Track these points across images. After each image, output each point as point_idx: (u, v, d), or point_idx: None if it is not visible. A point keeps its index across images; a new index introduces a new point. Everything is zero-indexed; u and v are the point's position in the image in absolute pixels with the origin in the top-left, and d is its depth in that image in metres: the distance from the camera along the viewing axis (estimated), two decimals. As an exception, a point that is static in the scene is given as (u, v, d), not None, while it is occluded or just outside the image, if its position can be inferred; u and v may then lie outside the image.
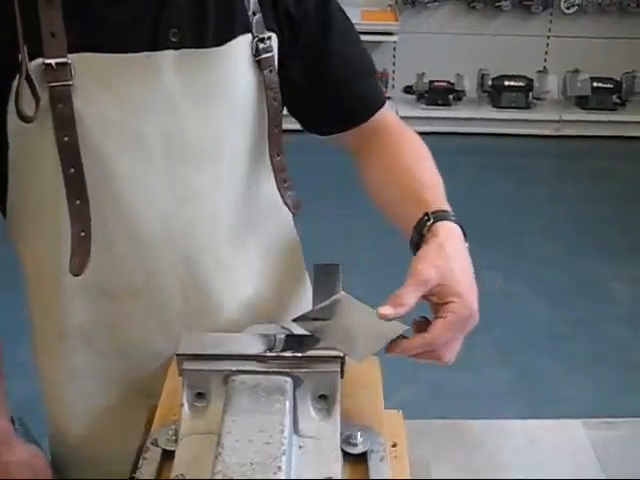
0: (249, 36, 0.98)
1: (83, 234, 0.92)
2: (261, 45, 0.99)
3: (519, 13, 4.99)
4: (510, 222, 3.96)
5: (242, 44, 0.98)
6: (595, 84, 4.90)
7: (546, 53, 5.11)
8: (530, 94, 4.95)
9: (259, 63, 1.00)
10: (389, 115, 1.14)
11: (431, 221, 0.92)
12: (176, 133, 0.95)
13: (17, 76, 0.86)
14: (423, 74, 4.85)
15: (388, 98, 5.20)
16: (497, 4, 4.91)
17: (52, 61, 0.86)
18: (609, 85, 4.92)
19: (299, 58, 1.05)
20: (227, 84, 0.97)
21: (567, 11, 4.95)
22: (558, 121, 4.90)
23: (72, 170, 0.90)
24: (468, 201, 4.14)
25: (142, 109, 0.92)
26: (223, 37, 0.96)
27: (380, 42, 4.82)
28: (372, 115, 1.10)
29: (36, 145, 0.91)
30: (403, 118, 4.15)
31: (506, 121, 4.85)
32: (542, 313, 3.21)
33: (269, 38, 1.00)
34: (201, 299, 1.03)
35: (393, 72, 5.09)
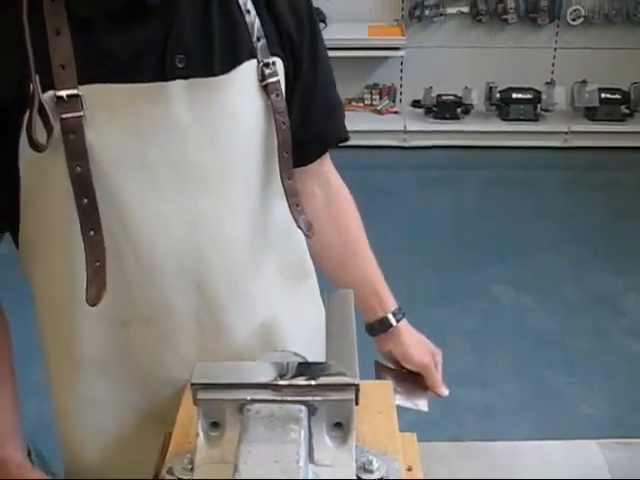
0: (254, 62, 0.99)
1: (98, 264, 0.92)
2: (267, 70, 1.00)
3: (525, 25, 5.00)
4: (519, 235, 3.96)
5: (248, 70, 0.99)
6: (603, 95, 4.90)
7: (553, 65, 5.12)
8: (538, 106, 4.96)
9: (266, 88, 1.00)
10: (329, 161, 1.25)
11: (394, 323, 1.25)
12: (185, 160, 0.95)
13: (30, 108, 0.86)
14: (431, 88, 4.87)
15: (396, 112, 5.24)
16: (503, 17, 4.93)
17: (63, 93, 0.87)
18: (617, 96, 4.92)
19: (297, 85, 1.07)
20: (235, 110, 0.98)
21: (573, 22, 4.97)
22: (566, 132, 4.91)
23: (85, 201, 0.90)
24: (476, 214, 4.17)
25: (152, 138, 0.93)
26: (229, 64, 0.97)
27: (387, 57, 4.85)
28: (333, 146, 1.20)
29: (49, 176, 0.91)
30: (411, 132, 4.21)
31: (514, 133, 4.87)
32: (553, 327, 3.20)
33: (274, 63, 1.01)
34: (215, 324, 1.03)
35: (401, 86, 5.12)
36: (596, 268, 3.65)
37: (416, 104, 5.02)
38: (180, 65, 0.93)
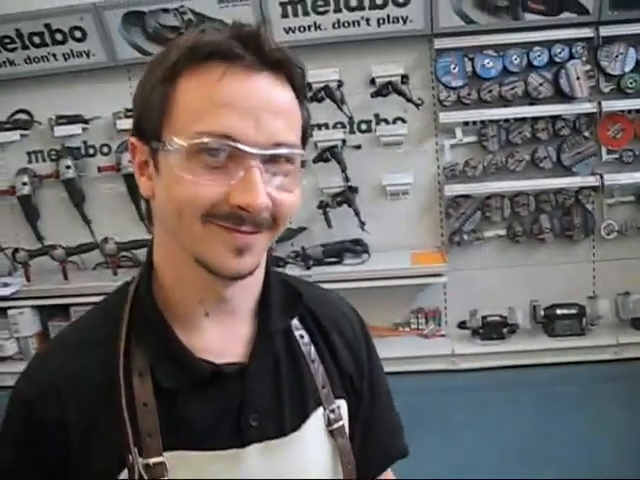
0: (320, 410, 1.07)
1: None
2: (332, 416, 1.07)
3: (562, 242, 5.15)
4: (580, 457, 3.87)
5: (315, 420, 1.06)
6: (647, 305, 4.94)
7: (594, 277, 5.21)
8: (584, 320, 4.98)
9: (332, 433, 1.07)
10: (389, 470, 1.30)
11: None
12: None
13: (124, 471, 0.95)
14: (475, 311, 4.97)
15: (442, 335, 5.30)
16: (539, 236, 5.10)
17: (150, 461, 0.95)
18: (662, 308, 4.96)
19: (359, 416, 1.15)
20: (305, 461, 1.05)
21: (608, 237, 5.11)
22: (615, 345, 4.90)
23: None
24: (531, 437, 4.11)
25: None
26: (299, 418, 1.04)
27: (431, 283, 5.02)
28: (391, 463, 1.26)
29: None
30: (460, 355, 4.27)
31: (562, 350, 4.85)
32: None
33: (339, 407, 1.09)
34: None
35: (445, 309, 5.25)
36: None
37: (462, 325, 5.09)
38: (254, 424, 1.00)
